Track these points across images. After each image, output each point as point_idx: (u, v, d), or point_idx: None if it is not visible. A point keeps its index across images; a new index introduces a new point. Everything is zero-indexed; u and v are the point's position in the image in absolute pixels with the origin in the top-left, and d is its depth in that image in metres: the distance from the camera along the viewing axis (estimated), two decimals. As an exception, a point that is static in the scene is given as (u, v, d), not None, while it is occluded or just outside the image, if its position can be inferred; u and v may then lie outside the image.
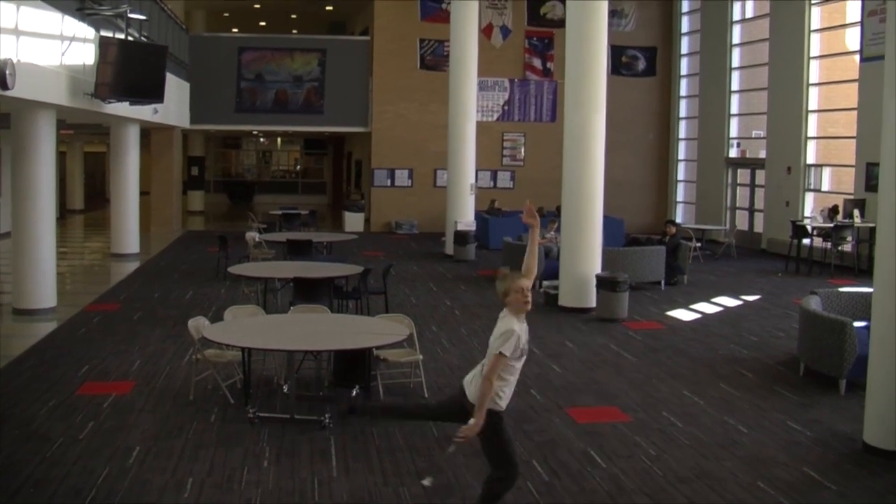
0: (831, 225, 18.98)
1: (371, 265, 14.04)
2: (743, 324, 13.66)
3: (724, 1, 25.41)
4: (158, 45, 17.56)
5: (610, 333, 12.81)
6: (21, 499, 6.53)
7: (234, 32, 33.71)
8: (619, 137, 23.88)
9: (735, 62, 25.39)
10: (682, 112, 28.54)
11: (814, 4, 21.79)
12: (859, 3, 19.78)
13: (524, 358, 5.88)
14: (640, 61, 28.29)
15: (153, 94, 16.01)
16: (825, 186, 21.87)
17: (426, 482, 6.54)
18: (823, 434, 8.34)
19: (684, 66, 28.38)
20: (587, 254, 14.42)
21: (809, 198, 22.11)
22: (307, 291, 11.71)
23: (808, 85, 21.86)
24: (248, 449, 7.63)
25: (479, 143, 22.26)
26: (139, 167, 20.95)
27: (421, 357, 9.39)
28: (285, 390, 8.92)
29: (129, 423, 8.27)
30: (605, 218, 15.16)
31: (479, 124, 22.70)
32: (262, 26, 36.26)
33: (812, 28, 21.81)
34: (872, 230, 17.61)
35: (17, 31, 10.88)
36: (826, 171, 21.97)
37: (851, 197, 19.55)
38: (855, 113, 20.07)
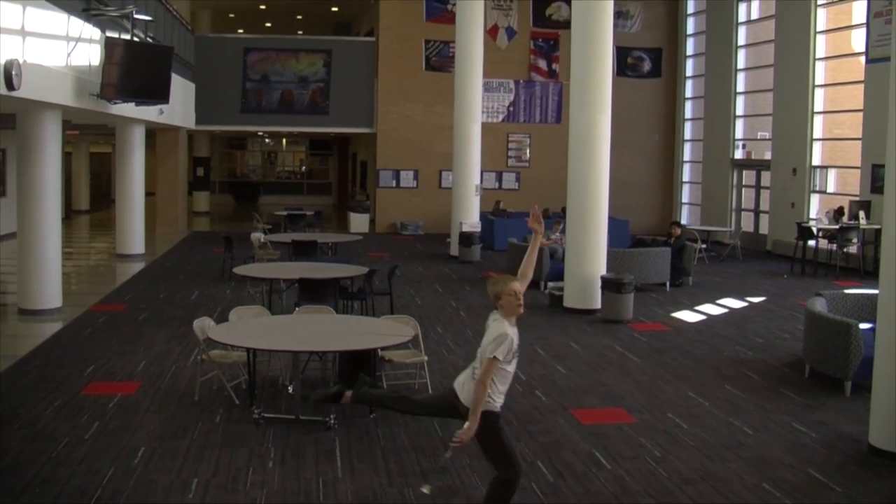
0: (837, 226, 18.94)
1: (376, 266, 14.03)
2: (748, 325, 13.65)
3: (729, 2, 25.40)
4: (164, 45, 17.60)
5: (615, 335, 12.80)
6: (27, 498, 6.54)
7: (240, 33, 33.82)
8: (624, 139, 23.86)
9: (741, 63, 25.37)
10: (688, 113, 28.52)
11: (820, 6, 21.77)
12: (865, 5, 19.75)
13: (516, 360, 5.91)
14: (646, 62, 28.28)
15: (159, 94, 16.05)
16: (831, 188, 21.85)
17: (425, 489, 6.53)
18: (829, 436, 8.33)
19: (690, 67, 28.37)
20: (592, 255, 14.40)
21: (815, 199, 22.08)
22: (312, 292, 11.71)
23: (814, 86, 21.83)
24: (254, 449, 7.63)
25: (485, 145, 22.26)
26: (144, 168, 20.97)
27: (426, 358, 9.39)
28: (290, 391, 8.92)
29: (135, 424, 8.28)
30: (611, 219, 15.16)
31: (485, 125, 22.69)
32: (268, 27, 36.30)
33: (818, 29, 21.79)
34: (878, 232, 17.57)
35: (23, 32, 10.91)
36: (832, 173, 21.94)
37: (857, 198, 19.52)
38: (861, 114, 20.03)
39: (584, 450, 7.83)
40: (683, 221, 26.60)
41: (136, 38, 15.37)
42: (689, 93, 28.43)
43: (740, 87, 25.43)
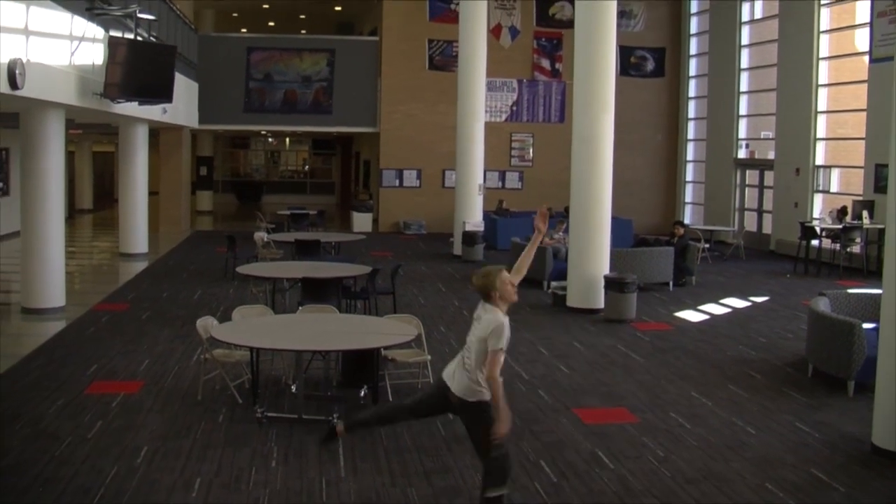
0: (840, 226, 18.92)
1: (379, 265, 14.04)
2: (751, 325, 13.64)
3: (733, 2, 25.38)
4: (167, 45, 17.60)
5: (618, 334, 12.79)
6: (30, 497, 6.55)
7: (243, 32, 33.80)
8: (627, 138, 23.85)
9: (744, 63, 25.35)
10: (691, 113, 28.50)
11: (823, 5, 21.75)
12: (869, 4, 19.73)
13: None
14: (649, 62, 28.26)
15: (162, 93, 16.05)
16: (834, 188, 21.83)
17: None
18: (831, 436, 8.32)
19: (693, 66, 28.35)
20: (595, 254, 14.40)
21: (818, 199, 22.06)
22: (315, 291, 11.71)
23: (818, 86, 21.82)
24: (257, 449, 7.63)
25: (488, 144, 22.27)
26: (148, 167, 21.00)
27: (429, 357, 9.39)
28: (293, 390, 8.93)
29: (138, 423, 8.29)
30: (614, 219, 15.16)
31: (488, 125, 22.70)
32: (271, 26, 36.32)
33: (821, 29, 21.77)
34: (881, 231, 17.54)
35: (26, 31, 10.92)
36: (835, 173, 21.93)
37: (860, 198, 19.50)
38: (864, 114, 20.01)
39: (587, 449, 7.83)
40: (687, 221, 26.57)
41: (139, 38, 15.37)
42: (692, 92, 28.42)
43: (744, 86, 25.41)
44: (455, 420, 7.22)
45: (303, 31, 36.22)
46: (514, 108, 27.75)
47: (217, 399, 9.03)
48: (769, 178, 24.05)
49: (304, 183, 42.91)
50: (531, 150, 28.04)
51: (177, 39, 20.24)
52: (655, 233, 23.57)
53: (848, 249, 19.19)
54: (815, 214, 21.60)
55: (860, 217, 18.74)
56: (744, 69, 25.36)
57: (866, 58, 19.89)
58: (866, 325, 9.69)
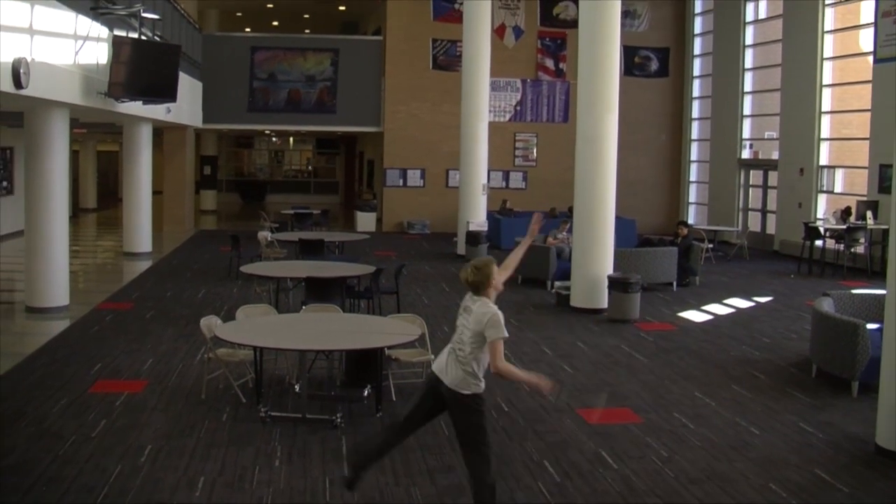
0: (844, 226, 18.91)
1: (383, 265, 14.05)
2: (755, 325, 13.63)
3: (737, 1, 25.35)
4: (172, 44, 17.62)
5: (621, 334, 12.79)
6: (34, 496, 6.56)
7: (247, 32, 33.79)
8: (631, 138, 23.82)
9: (748, 63, 25.33)
10: (695, 113, 28.48)
11: (827, 5, 21.72)
12: (873, 4, 19.70)
13: None
14: (653, 62, 28.25)
15: (166, 93, 16.06)
16: (838, 188, 21.80)
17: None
18: (835, 436, 8.32)
19: (697, 66, 28.32)
20: (599, 254, 14.40)
21: (822, 199, 22.04)
22: (319, 291, 11.71)
23: (822, 86, 21.79)
24: (260, 448, 7.64)
25: (492, 144, 22.27)
26: (152, 166, 21.02)
27: (433, 357, 9.36)
28: (297, 390, 8.93)
29: (142, 422, 8.30)
30: (618, 219, 15.15)
31: (492, 125, 22.70)
32: (275, 26, 36.34)
33: (826, 29, 21.74)
34: (885, 232, 17.54)
35: (31, 31, 10.93)
36: (839, 173, 21.90)
37: (864, 198, 19.47)
38: (868, 114, 19.99)
39: (591, 449, 7.83)
40: (690, 221, 26.54)
41: (143, 37, 15.39)
42: (696, 92, 28.39)
43: (748, 86, 25.39)
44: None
45: (307, 31, 36.24)
46: (518, 108, 27.74)
47: (221, 398, 9.04)
48: (773, 178, 24.02)
49: (308, 182, 42.92)
50: (535, 150, 28.03)
51: (181, 39, 20.25)
52: (659, 233, 23.55)
53: (852, 250, 19.17)
54: (819, 215, 21.58)
55: (864, 217, 18.72)
56: (748, 69, 25.34)
57: (870, 58, 19.87)
58: (870, 326, 9.68)
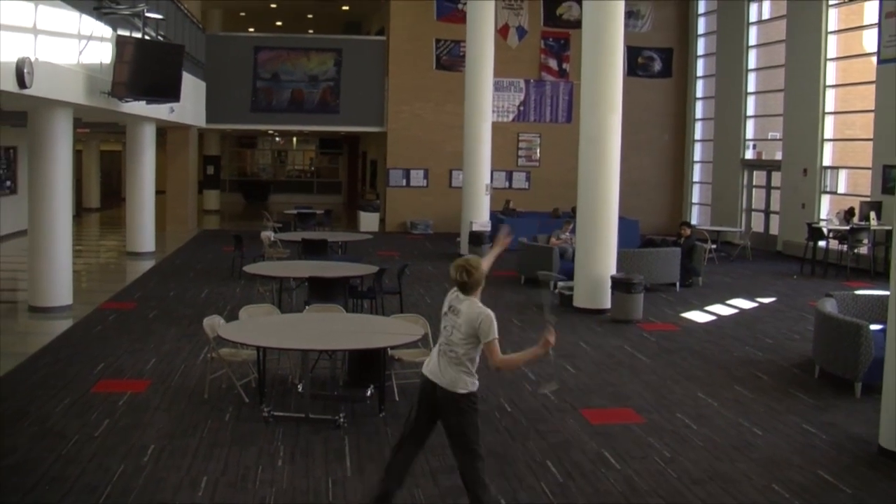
0: (847, 227, 18.87)
1: (386, 265, 14.04)
2: (758, 326, 13.61)
3: (740, 2, 25.33)
4: (175, 44, 17.64)
5: (624, 335, 12.78)
6: (36, 496, 6.56)
7: (251, 32, 33.86)
8: (634, 138, 23.80)
9: (751, 64, 25.30)
10: (698, 113, 28.46)
11: (831, 6, 21.69)
12: (877, 5, 19.68)
13: None
14: (657, 62, 28.23)
15: (169, 93, 16.08)
16: (841, 188, 21.78)
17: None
18: (838, 437, 8.31)
19: (700, 67, 28.31)
20: (602, 255, 14.39)
21: (825, 200, 22.01)
22: (322, 291, 11.71)
23: (825, 87, 21.76)
24: (263, 448, 7.65)
25: (495, 144, 22.28)
26: (155, 166, 21.03)
27: (435, 357, 9.38)
28: (300, 389, 8.94)
29: (144, 422, 8.30)
30: (621, 219, 15.13)
31: (495, 125, 22.69)
32: (278, 26, 36.35)
33: (829, 30, 21.71)
34: (889, 233, 17.53)
35: (34, 30, 10.95)
36: (842, 174, 21.87)
37: (868, 199, 19.44)
38: (872, 115, 19.95)
39: (593, 449, 7.82)
40: (693, 222, 26.56)
41: (147, 37, 15.41)
42: (699, 93, 28.38)
43: (751, 87, 25.36)
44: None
45: (310, 31, 36.27)
46: (522, 108, 27.74)
47: (224, 398, 9.05)
48: (776, 178, 23.99)
49: (311, 182, 42.93)
50: (538, 151, 28.02)
51: (184, 39, 20.27)
52: (662, 233, 23.53)
53: (855, 250, 19.13)
54: (823, 215, 21.55)
55: (867, 218, 18.68)
56: (751, 70, 25.32)
57: (874, 59, 19.84)
58: (873, 327, 9.68)
